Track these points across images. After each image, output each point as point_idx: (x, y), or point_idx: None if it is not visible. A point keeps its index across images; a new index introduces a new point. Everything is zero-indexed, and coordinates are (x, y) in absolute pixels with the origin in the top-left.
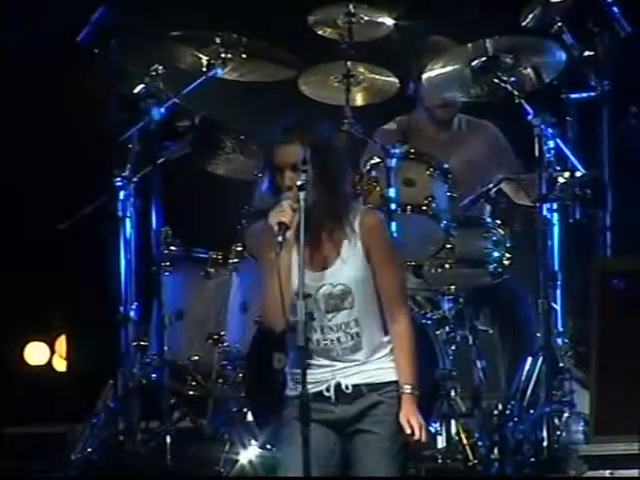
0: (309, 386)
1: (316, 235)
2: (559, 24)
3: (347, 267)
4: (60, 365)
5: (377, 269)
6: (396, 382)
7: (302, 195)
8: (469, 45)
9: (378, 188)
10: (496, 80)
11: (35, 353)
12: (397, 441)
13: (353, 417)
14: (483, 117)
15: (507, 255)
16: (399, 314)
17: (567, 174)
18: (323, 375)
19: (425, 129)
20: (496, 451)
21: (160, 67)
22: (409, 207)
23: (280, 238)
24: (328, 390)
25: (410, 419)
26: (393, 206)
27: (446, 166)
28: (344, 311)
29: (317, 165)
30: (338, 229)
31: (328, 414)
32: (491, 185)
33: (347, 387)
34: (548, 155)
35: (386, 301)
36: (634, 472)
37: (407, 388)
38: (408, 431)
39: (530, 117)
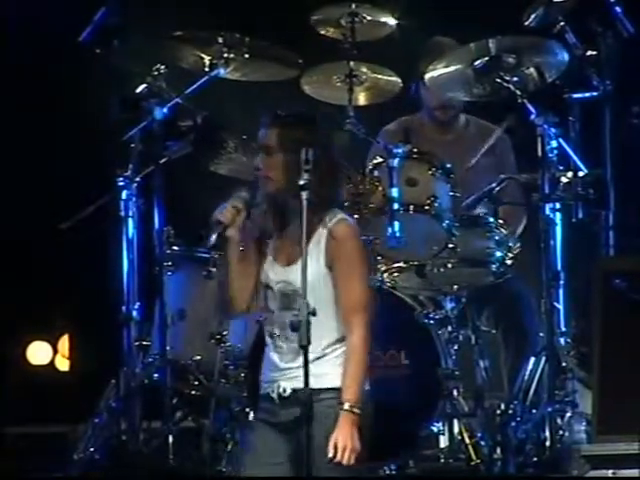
0: (264, 385)
1: (289, 229)
2: (562, 24)
3: (307, 268)
4: (62, 365)
5: (338, 278)
6: (336, 389)
7: (305, 195)
8: (472, 45)
9: (380, 188)
10: (499, 80)
11: (38, 353)
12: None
13: (292, 421)
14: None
15: (509, 255)
16: (354, 326)
17: (570, 174)
18: (273, 375)
19: (427, 130)
20: (499, 451)
21: (162, 67)
22: (412, 207)
23: (214, 236)
24: (274, 392)
25: (337, 440)
26: (396, 206)
27: (448, 166)
28: (294, 311)
29: (290, 151)
30: (310, 229)
31: (272, 416)
32: (494, 185)
33: (285, 390)
34: (551, 155)
35: (344, 311)
36: (636, 472)
37: (346, 405)
38: (331, 452)
39: (533, 117)
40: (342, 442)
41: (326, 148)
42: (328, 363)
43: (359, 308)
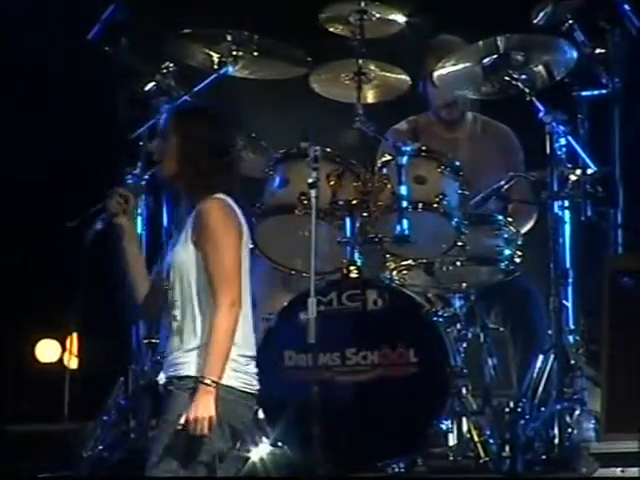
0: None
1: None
2: (570, 22)
3: (177, 248)
4: (72, 363)
5: (202, 255)
6: (194, 377)
7: (313, 193)
8: (480, 43)
9: (389, 186)
10: (507, 78)
11: (46, 351)
12: (177, 435)
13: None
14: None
15: (518, 253)
16: (217, 302)
17: (578, 171)
18: (163, 356)
19: (435, 128)
20: (507, 449)
21: (171, 65)
22: (420, 205)
23: (99, 224)
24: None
25: (189, 411)
26: (404, 204)
27: (457, 164)
28: (170, 290)
29: (182, 140)
30: (191, 209)
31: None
32: (502, 182)
33: (162, 379)
34: (559, 153)
35: (210, 287)
36: None
37: (201, 377)
38: (182, 420)
39: (541, 115)
40: (193, 413)
41: (214, 140)
42: (193, 351)
43: (224, 282)
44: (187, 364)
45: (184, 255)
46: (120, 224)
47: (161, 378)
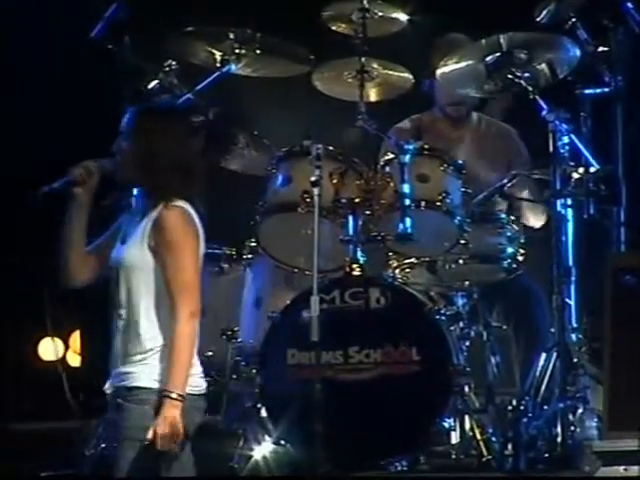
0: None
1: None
2: (573, 20)
3: (130, 248)
4: (74, 361)
5: (161, 263)
6: (145, 389)
7: (316, 191)
8: (483, 41)
9: (392, 184)
10: (510, 76)
11: (49, 349)
12: (146, 450)
13: (114, 420)
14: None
15: (521, 251)
16: (177, 312)
17: (581, 170)
18: (117, 370)
19: (439, 127)
20: (510, 447)
21: (174, 63)
22: (423, 203)
23: (57, 184)
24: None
25: (157, 427)
26: (407, 202)
27: (460, 162)
28: (118, 290)
29: (141, 140)
30: (147, 211)
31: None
32: (505, 181)
33: (107, 389)
34: (562, 151)
35: (170, 297)
36: None
37: (166, 391)
38: (149, 435)
39: (544, 113)
40: (161, 429)
41: (176, 141)
42: (145, 360)
43: (184, 292)
44: (134, 374)
45: (138, 258)
46: (75, 194)
47: (107, 387)
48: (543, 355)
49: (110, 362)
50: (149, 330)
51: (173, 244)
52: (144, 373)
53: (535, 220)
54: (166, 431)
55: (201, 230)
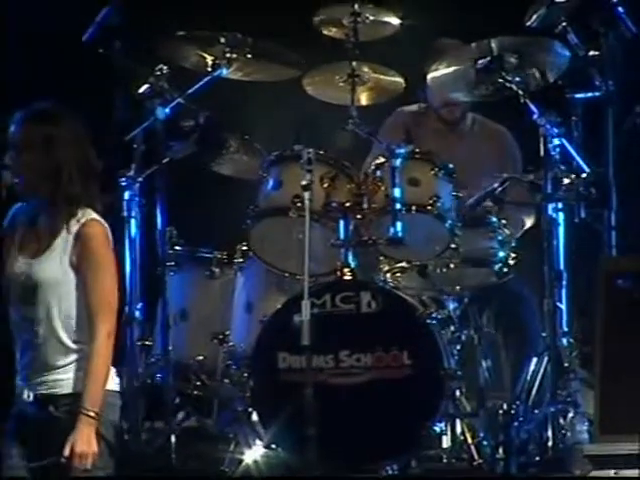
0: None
1: (39, 222)
2: (564, 24)
3: (47, 263)
4: None
5: (84, 279)
6: (75, 395)
7: (307, 195)
8: (473, 45)
9: (383, 188)
10: (501, 80)
11: None
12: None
13: (37, 429)
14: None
15: (512, 255)
16: (95, 330)
17: (572, 174)
18: (27, 373)
19: (433, 129)
20: (501, 451)
21: (165, 67)
22: (414, 207)
23: None
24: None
25: (74, 444)
26: (398, 206)
27: (451, 166)
28: (32, 306)
29: (42, 151)
30: (57, 225)
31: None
32: (496, 185)
33: (29, 396)
34: (553, 155)
35: (89, 313)
36: (638, 472)
37: (83, 409)
38: (66, 452)
39: (535, 117)
40: (79, 447)
41: (77, 146)
42: (67, 367)
43: (104, 311)
44: (62, 382)
45: (57, 274)
46: None
47: (29, 396)
48: (534, 359)
49: (26, 372)
50: (69, 342)
51: (96, 263)
52: (72, 380)
53: (527, 219)
54: (83, 450)
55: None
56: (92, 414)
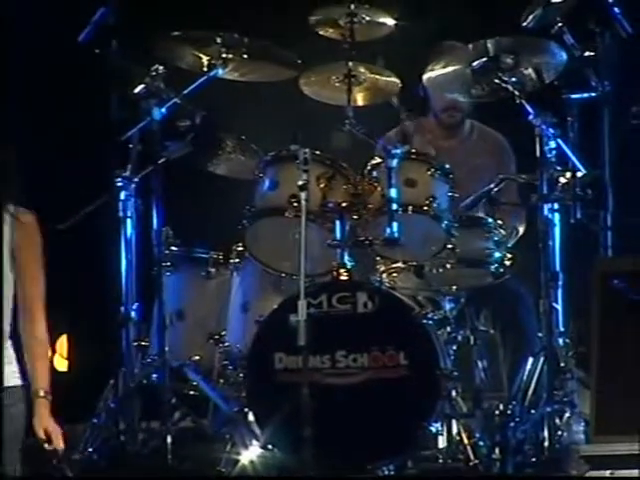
0: None
1: None
2: (560, 25)
3: None
4: (61, 365)
5: (20, 270)
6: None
7: (303, 195)
8: (470, 46)
9: (379, 188)
10: (497, 80)
11: None
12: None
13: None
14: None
15: (508, 255)
16: (38, 317)
17: (568, 174)
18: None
19: (431, 134)
20: (497, 451)
21: (161, 67)
22: (410, 207)
23: None
24: None
25: (47, 427)
26: (394, 206)
27: (447, 166)
28: None
29: None
30: None
31: None
32: (492, 185)
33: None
34: (549, 155)
35: (26, 300)
36: (635, 472)
37: (41, 392)
38: (43, 437)
39: (531, 117)
40: (52, 427)
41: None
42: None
43: (41, 304)
44: (11, 374)
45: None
46: None
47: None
48: (530, 359)
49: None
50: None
51: (36, 247)
52: (17, 373)
53: (519, 226)
54: (54, 427)
55: None
56: (50, 397)
